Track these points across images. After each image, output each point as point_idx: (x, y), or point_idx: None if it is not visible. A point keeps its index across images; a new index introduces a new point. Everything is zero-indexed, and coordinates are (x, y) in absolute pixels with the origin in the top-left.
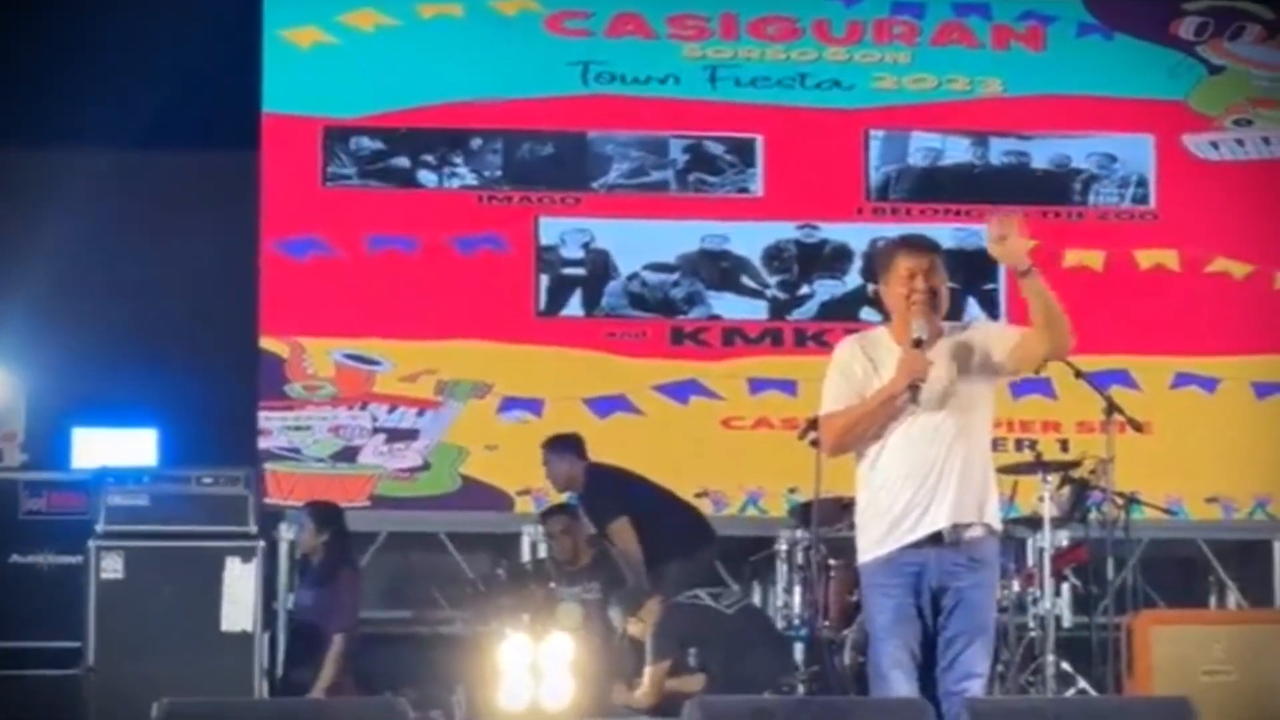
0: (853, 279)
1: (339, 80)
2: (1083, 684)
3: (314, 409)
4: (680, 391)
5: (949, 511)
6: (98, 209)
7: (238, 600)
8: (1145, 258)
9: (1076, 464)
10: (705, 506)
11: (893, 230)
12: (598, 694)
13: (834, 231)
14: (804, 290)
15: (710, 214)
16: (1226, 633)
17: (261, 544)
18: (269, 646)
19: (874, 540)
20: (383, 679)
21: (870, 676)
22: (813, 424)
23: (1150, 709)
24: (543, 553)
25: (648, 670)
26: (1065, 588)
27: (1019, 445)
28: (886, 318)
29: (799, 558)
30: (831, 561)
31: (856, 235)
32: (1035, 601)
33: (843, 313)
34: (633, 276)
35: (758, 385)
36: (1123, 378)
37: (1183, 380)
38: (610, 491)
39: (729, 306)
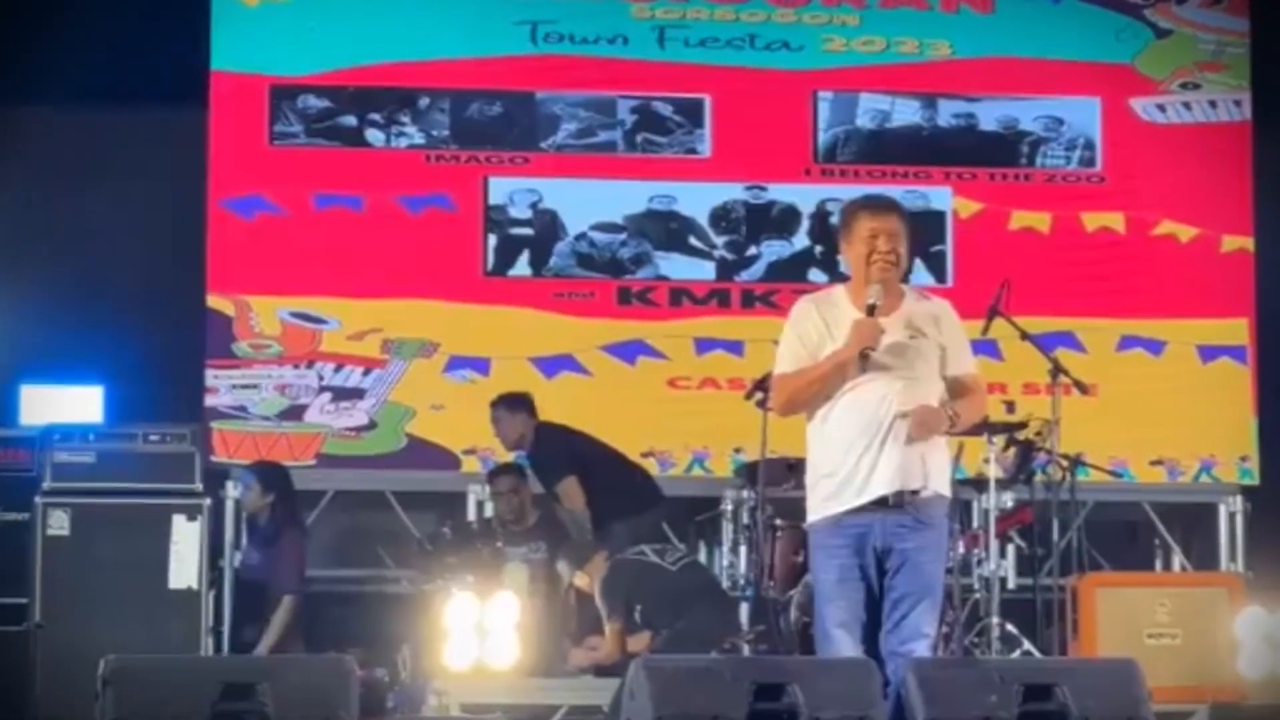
0: (800, 240)
1: (286, 38)
2: (1027, 646)
3: (260, 367)
4: (627, 351)
5: (895, 476)
6: (43, 166)
7: (184, 558)
8: (1092, 220)
9: (1022, 426)
10: (651, 466)
11: (841, 192)
12: (544, 653)
13: (782, 192)
14: (751, 251)
15: (658, 174)
16: (1171, 595)
17: (207, 502)
18: (215, 604)
19: (821, 500)
20: (329, 637)
21: (816, 636)
22: (759, 384)
23: (1095, 671)
24: (489, 512)
25: (608, 628)
26: (1010, 549)
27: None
28: (833, 279)
29: (745, 518)
30: (777, 522)
31: (804, 196)
32: (980, 563)
33: (790, 274)
34: (580, 236)
35: (704, 345)
36: (1069, 340)
37: (1128, 343)
38: (559, 450)
39: (676, 267)
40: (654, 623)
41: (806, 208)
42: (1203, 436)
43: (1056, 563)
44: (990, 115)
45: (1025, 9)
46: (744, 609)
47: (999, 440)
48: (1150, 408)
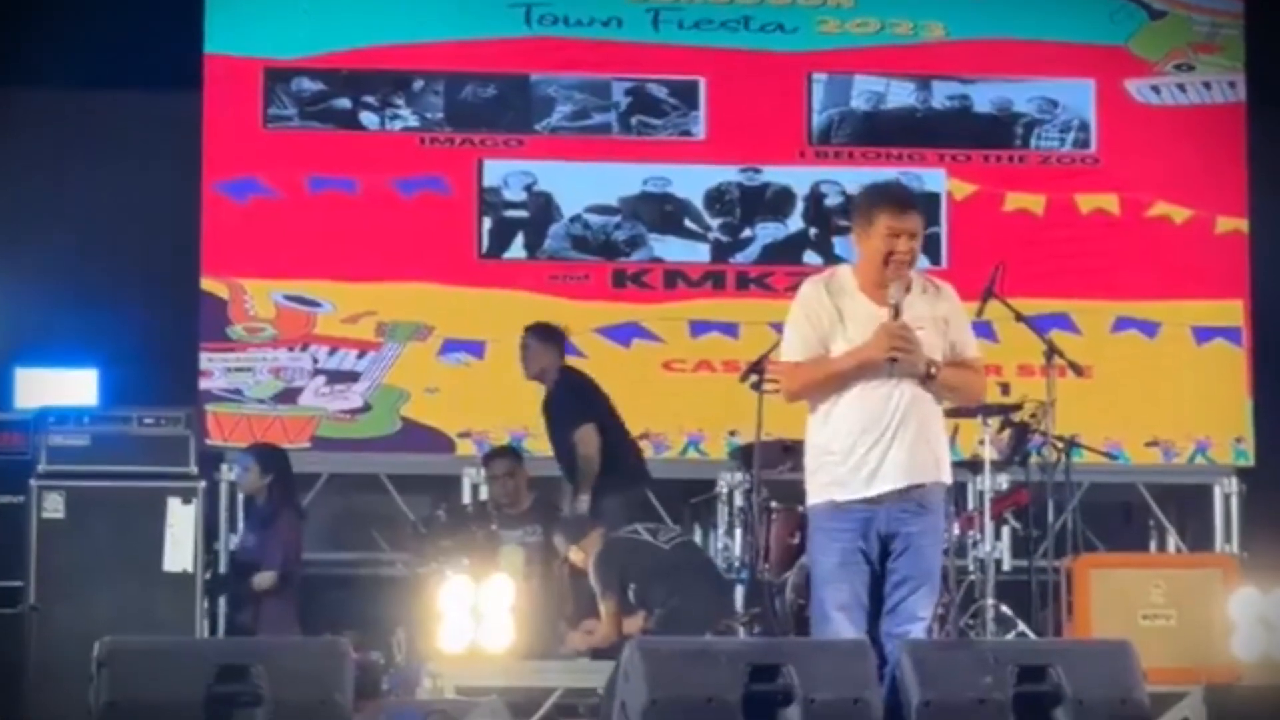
0: (795, 222)
1: (280, 21)
2: (1022, 627)
3: (255, 350)
4: (622, 334)
5: (904, 471)
6: (39, 149)
7: (179, 540)
8: (1086, 202)
9: (1017, 407)
10: (646, 449)
11: (836, 174)
12: (539, 636)
13: (776, 174)
14: (746, 233)
15: (652, 156)
16: (1165, 576)
17: (202, 485)
18: (210, 587)
19: (824, 486)
20: (324, 620)
21: (813, 619)
22: (755, 367)
23: (1090, 652)
24: (484, 495)
25: (602, 607)
26: (1005, 531)
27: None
28: (827, 261)
29: (739, 500)
30: (773, 504)
31: (799, 179)
32: (975, 545)
33: (785, 256)
34: (575, 219)
35: (699, 328)
36: (1063, 321)
37: (1123, 324)
38: (584, 396)
39: (671, 249)
40: (647, 601)
41: (801, 190)
42: (1197, 418)
43: (1051, 544)
44: (984, 97)
45: None
46: (739, 591)
47: (994, 422)
48: (1145, 389)
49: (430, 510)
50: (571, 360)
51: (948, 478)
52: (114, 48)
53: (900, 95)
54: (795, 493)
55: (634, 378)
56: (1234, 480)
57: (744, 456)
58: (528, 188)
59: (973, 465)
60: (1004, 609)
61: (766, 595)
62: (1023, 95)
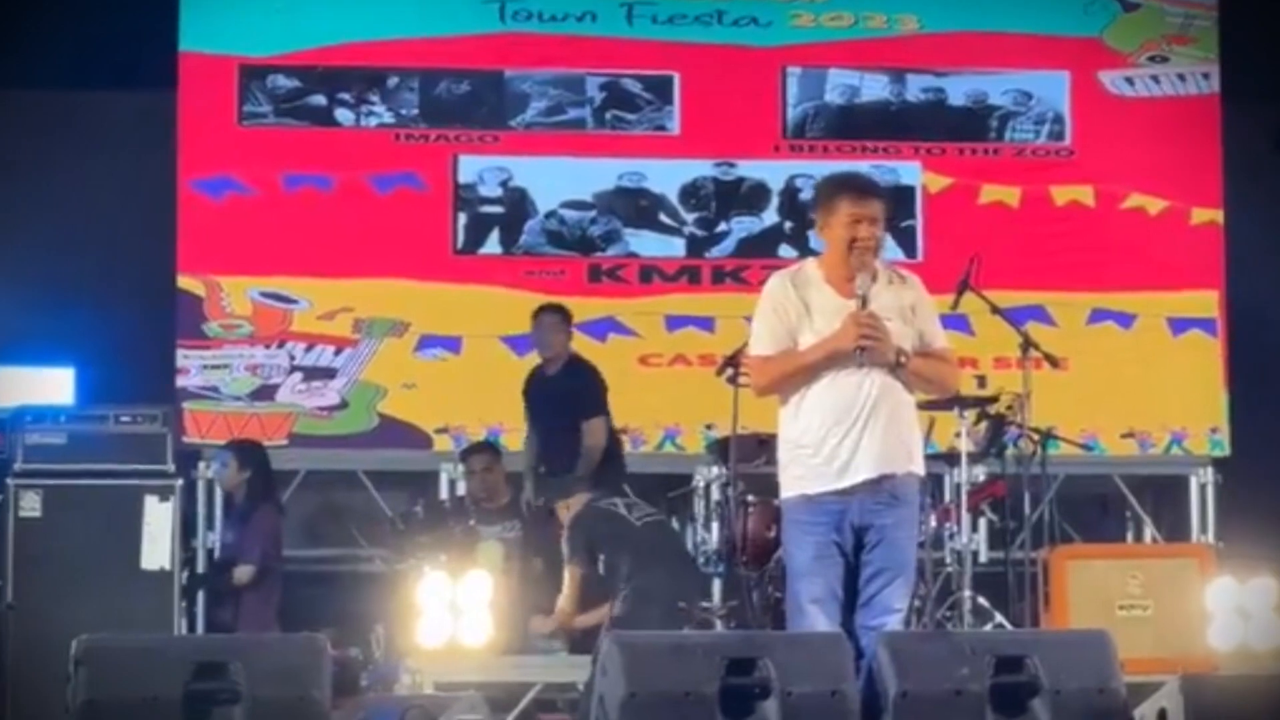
0: (770, 216)
1: (255, 19)
2: (999, 619)
3: (231, 347)
4: (598, 329)
5: (875, 461)
6: (14, 148)
7: (156, 538)
8: (1061, 194)
9: (993, 400)
10: (624, 443)
11: (810, 168)
12: (517, 632)
13: (751, 169)
14: (721, 228)
15: (627, 151)
16: (1142, 567)
17: (179, 482)
18: (188, 585)
19: (797, 479)
20: (302, 617)
21: (788, 611)
22: (730, 361)
23: (1066, 642)
24: (461, 491)
25: (566, 570)
26: (982, 523)
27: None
28: (803, 254)
29: (716, 494)
30: (749, 498)
31: (774, 173)
32: (952, 536)
33: (760, 250)
34: (550, 214)
35: (675, 322)
36: (1039, 314)
37: (1099, 316)
38: (600, 386)
39: (646, 244)
40: (614, 574)
41: (776, 184)
42: (1173, 409)
43: (1028, 536)
44: (959, 90)
45: None
46: (716, 584)
47: (970, 414)
48: (1121, 380)
49: (408, 506)
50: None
51: (920, 468)
52: (89, 47)
53: (874, 88)
54: (771, 486)
55: (610, 372)
56: (1210, 471)
57: (720, 450)
58: (503, 183)
59: (949, 458)
60: (981, 601)
61: (743, 588)
62: (997, 88)
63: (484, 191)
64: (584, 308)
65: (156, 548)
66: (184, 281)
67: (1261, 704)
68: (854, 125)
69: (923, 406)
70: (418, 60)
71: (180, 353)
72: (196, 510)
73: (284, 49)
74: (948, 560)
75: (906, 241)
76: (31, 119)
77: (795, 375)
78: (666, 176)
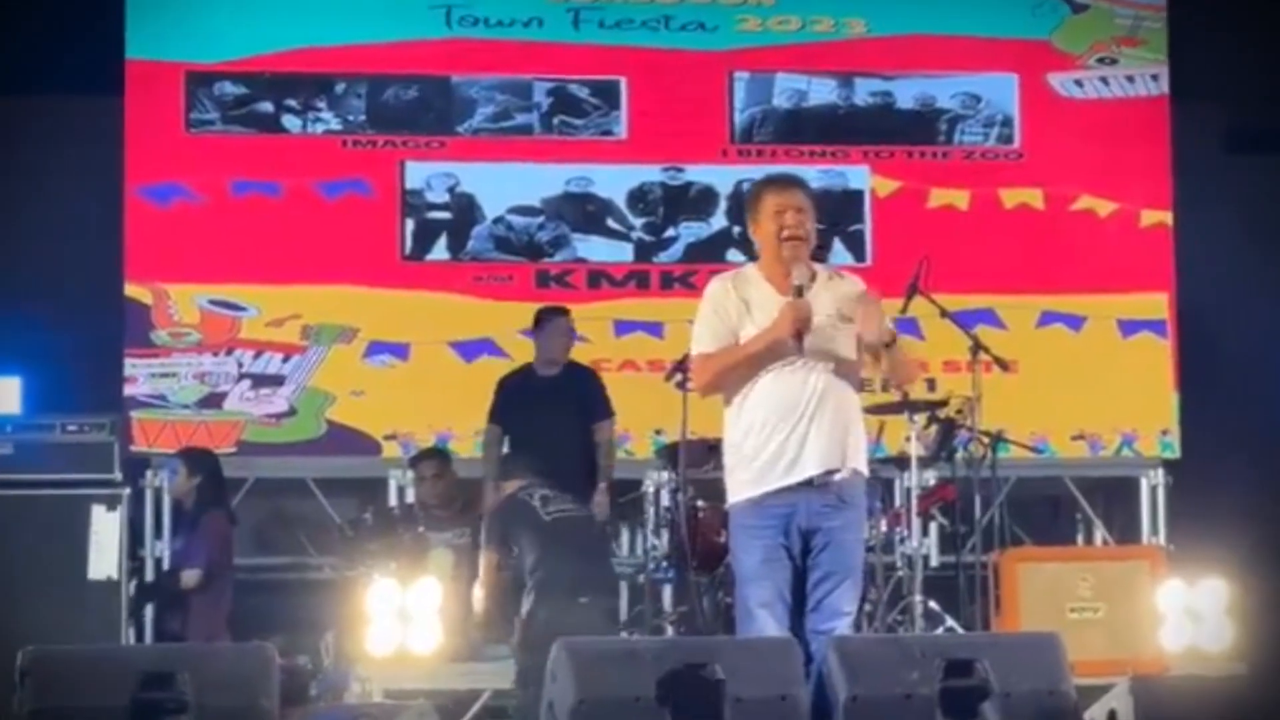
0: (718, 221)
1: (202, 25)
2: (950, 622)
3: (179, 355)
4: None
5: (819, 458)
6: None
7: (103, 548)
8: (1010, 197)
9: (943, 403)
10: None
11: (759, 172)
12: (467, 639)
13: (699, 173)
14: (669, 233)
15: (575, 157)
16: (1093, 569)
17: (127, 491)
18: (136, 595)
19: (743, 483)
20: (251, 625)
21: (738, 617)
22: (679, 366)
23: (1016, 644)
24: (410, 498)
25: (481, 556)
26: (933, 527)
27: (885, 385)
28: (752, 259)
29: (666, 499)
30: (699, 503)
31: (721, 177)
32: (902, 541)
33: (708, 255)
34: (498, 220)
35: (623, 327)
36: (989, 317)
37: (1048, 319)
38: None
39: (594, 249)
40: (523, 566)
41: (724, 188)
42: (1123, 411)
43: (979, 539)
44: (907, 93)
45: None
46: (667, 590)
47: (920, 418)
48: (1071, 383)
49: (357, 513)
50: (497, 362)
51: (865, 467)
52: (34, 53)
53: (822, 92)
54: (721, 492)
55: None
56: (1160, 472)
57: (669, 456)
58: (450, 189)
59: (899, 462)
60: (932, 605)
61: (694, 594)
62: (945, 91)
63: (431, 198)
64: (532, 313)
65: (104, 557)
66: (131, 290)
67: (1212, 705)
68: (802, 129)
69: (872, 410)
70: (365, 66)
71: (128, 361)
72: (144, 520)
73: (231, 55)
74: (898, 565)
75: (855, 245)
76: None
77: (737, 368)
78: (614, 181)
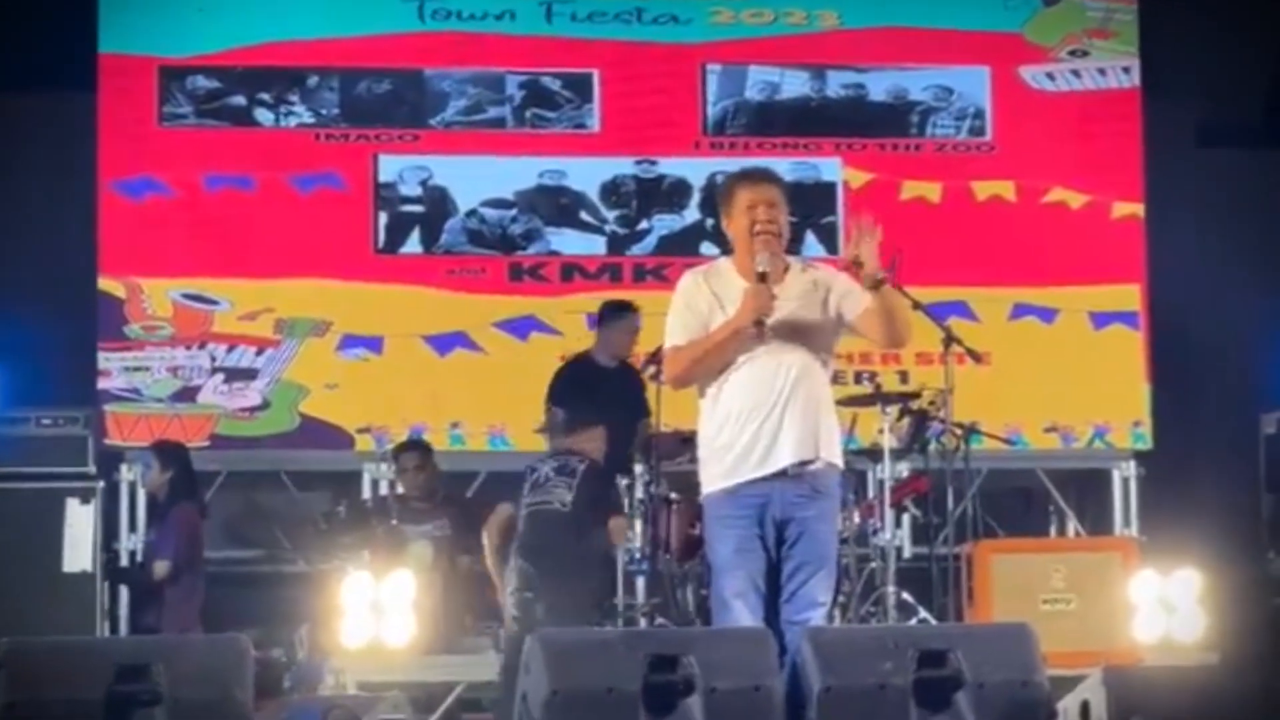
0: (691, 213)
1: (175, 19)
2: (924, 614)
3: (153, 349)
4: (520, 328)
5: (793, 449)
6: None
7: (78, 541)
8: (982, 189)
9: (916, 395)
10: (545, 442)
11: (731, 164)
12: (441, 631)
13: (672, 166)
14: (642, 225)
15: (548, 150)
16: (1065, 560)
17: (101, 485)
18: (110, 588)
19: (717, 474)
20: (226, 618)
21: (713, 608)
22: (653, 358)
23: (989, 635)
24: (384, 490)
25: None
26: (905, 518)
27: (858, 378)
28: (725, 251)
29: (640, 492)
30: (673, 495)
31: (694, 170)
32: (875, 533)
33: (681, 247)
34: (471, 213)
35: (596, 321)
36: (961, 309)
37: (1021, 311)
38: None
39: (567, 242)
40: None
41: (697, 181)
42: (1096, 402)
43: (952, 531)
44: (879, 85)
45: None
46: (640, 582)
47: (893, 410)
48: (1043, 375)
49: (330, 506)
50: (470, 355)
51: (837, 458)
52: (7, 48)
53: (795, 85)
54: (695, 484)
55: (532, 371)
56: (1132, 464)
57: (643, 448)
58: (423, 182)
59: (872, 454)
60: (905, 596)
61: (668, 586)
62: (918, 83)
63: (404, 191)
64: (505, 306)
65: (78, 550)
66: (105, 283)
67: (1185, 695)
68: (774, 122)
69: (845, 402)
70: (337, 60)
71: (101, 355)
72: (119, 513)
73: (204, 49)
74: (871, 556)
75: (827, 238)
76: None
77: (706, 358)
78: (587, 174)
